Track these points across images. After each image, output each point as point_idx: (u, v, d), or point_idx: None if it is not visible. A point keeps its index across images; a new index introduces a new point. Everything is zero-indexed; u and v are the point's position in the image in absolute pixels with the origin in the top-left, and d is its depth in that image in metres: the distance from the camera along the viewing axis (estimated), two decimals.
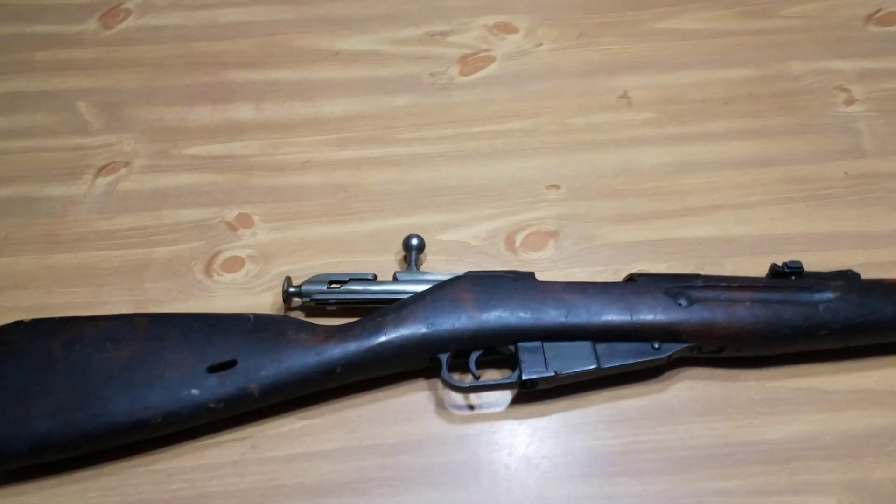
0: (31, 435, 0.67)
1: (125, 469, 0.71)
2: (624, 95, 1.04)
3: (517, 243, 0.90)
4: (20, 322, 0.74)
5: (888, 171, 0.94)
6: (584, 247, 0.89)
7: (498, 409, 0.76)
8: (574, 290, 0.77)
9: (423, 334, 0.73)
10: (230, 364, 0.71)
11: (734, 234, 0.89)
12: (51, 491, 0.69)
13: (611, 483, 0.72)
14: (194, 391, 0.69)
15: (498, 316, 0.75)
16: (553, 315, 0.75)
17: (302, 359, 0.72)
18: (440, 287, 0.77)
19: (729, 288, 0.77)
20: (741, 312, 0.75)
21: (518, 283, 0.77)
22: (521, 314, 0.75)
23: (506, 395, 0.77)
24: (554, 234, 0.90)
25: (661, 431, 0.75)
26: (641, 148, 0.98)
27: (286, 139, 1.00)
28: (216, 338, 0.73)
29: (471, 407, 0.76)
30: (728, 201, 0.92)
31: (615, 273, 0.86)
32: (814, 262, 0.84)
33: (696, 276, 0.79)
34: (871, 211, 0.90)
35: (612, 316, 0.75)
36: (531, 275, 0.80)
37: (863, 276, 0.80)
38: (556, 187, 0.95)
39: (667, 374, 0.78)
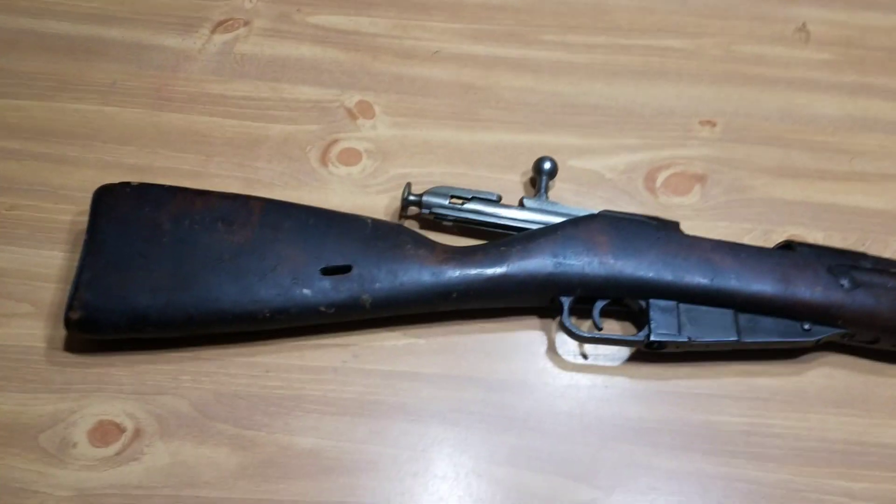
0: (130, 309, 0.66)
1: (223, 357, 0.69)
2: (802, 28, 0.93)
3: (658, 183, 0.83)
4: (127, 184, 0.71)
5: None
6: (734, 198, 0.82)
7: (613, 364, 0.72)
8: (724, 251, 0.71)
9: (550, 273, 0.69)
10: (345, 269, 0.68)
11: None
12: (142, 367, 0.69)
13: (728, 463, 0.68)
14: (306, 291, 0.67)
15: (634, 266, 0.69)
16: (697, 276, 0.69)
17: (419, 276, 0.68)
18: (573, 224, 0.71)
19: None
20: None
21: (661, 233, 0.71)
22: (660, 269, 0.69)
23: (625, 352, 0.73)
24: (702, 179, 0.83)
25: (791, 417, 0.70)
26: (814, 93, 0.89)
27: (417, 21, 0.92)
28: (332, 238, 0.69)
29: (584, 356, 0.73)
30: None
31: (765, 234, 0.80)
32: None
33: (864, 256, 0.72)
34: None
35: (765, 287, 0.69)
36: (676, 225, 0.73)
37: None
38: (712, 124, 0.86)
39: (805, 357, 0.73)
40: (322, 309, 0.67)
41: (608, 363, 0.73)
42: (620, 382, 0.72)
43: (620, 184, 0.83)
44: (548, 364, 0.72)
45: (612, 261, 0.70)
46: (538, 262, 0.69)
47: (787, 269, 0.70)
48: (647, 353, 0.72)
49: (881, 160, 0.84)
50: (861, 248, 0.79)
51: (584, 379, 0.72)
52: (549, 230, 0.71)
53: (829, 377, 0.73)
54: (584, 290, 0.70)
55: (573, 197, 0.82)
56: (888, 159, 0.85)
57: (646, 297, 0.70)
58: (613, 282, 0.69)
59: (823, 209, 0.82)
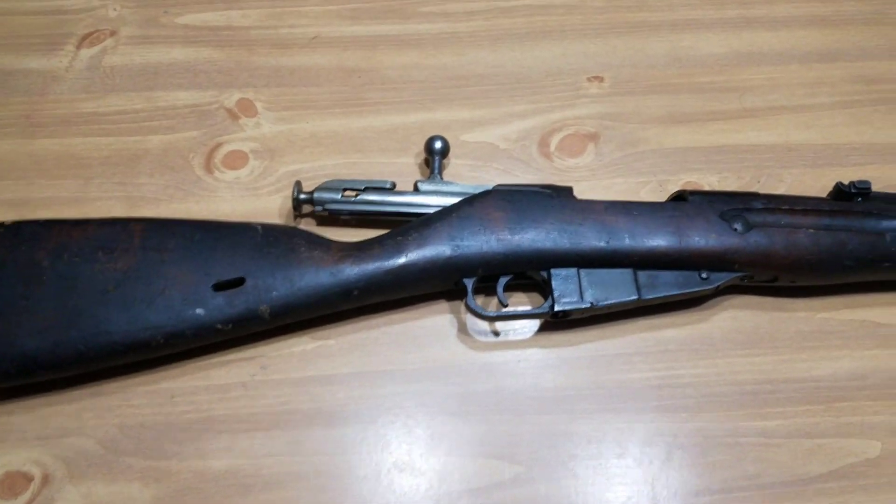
0: (19, 355, 0.64)
1: (126, 388, 0.68)
2: None
3: (552, 147, 0.83)
4: (0, 225, 0.69)
5: None
6: (627, 152, 0.83)
7: (525, 337, 0.73)
8: (617, 211, 0.71)
9: (448, 257, 0.69)
10: (238, 282, 0.67)
11: (795, 142, 0.83)
12: (43, 410, 0.67)
13: (642, 419, 0.70)
14: (199, 311, 0.65)
15: (531, 239, 0.70)
16: (592, 239, 0.70)
17: (316, 279, 0.68)
18: (468, 203, 0.71)
19: (791, 212, 0.71)
20: (802, 241, 0.70)
21: (555, 201, 0.72)
22: (557, 237, 0.70)
23: (534, 322, 0.73)
24: (594, 137, 0.83)
25: (701, 365, 0.72)
26: (699, 32, 0.90)
27: (291, 8, 0.91)
28: (221, 251, 0.68)
29: (496, 333, 0.73)
30: (790, 102, 0.85)
31: (661, 185, 0.81)
32: (878, 176, 0.80)
33: (755, 196, 0.73)
34: None
35: (659, 241, 0.70)
36: (569, 190, 0.74)
37: None
38: (600, 79, 0.87)
39: (710, 303, 0.75)
40: (219, 327, 0.66)
41: (520, 337, 0.74)
42: (533, 355, 0.73)
43: (515, 153, 0.83)
44: (460, 347, 0.73)
45: (509, 236, 0.70)
46: (436, 248, 0.69)
47: (680, 220, 0.71)
48: (558, 322, 0.73)
49: (770, 93, 0.86)
50: (756, 186, 0.81)
51: (497, 356, 0.72)
52: (444, 213, 0.71)
53: (735, 319, 0.75)
54: (486, 270, 0.70)
55: (470, 172, 0.82)
56: (777, 91, 0.86)
57: (547, 267, 0.71)
58: (513, 257, 0.70)
59: (716, 151, 0.83)
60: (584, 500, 0.66)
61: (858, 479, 0.67)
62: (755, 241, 0.70)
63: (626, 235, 0.70)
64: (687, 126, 0.84)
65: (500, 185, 0.74)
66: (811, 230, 0.70)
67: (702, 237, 0.70)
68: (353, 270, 0.68)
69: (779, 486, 0.67)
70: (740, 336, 0.74)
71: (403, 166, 0.81)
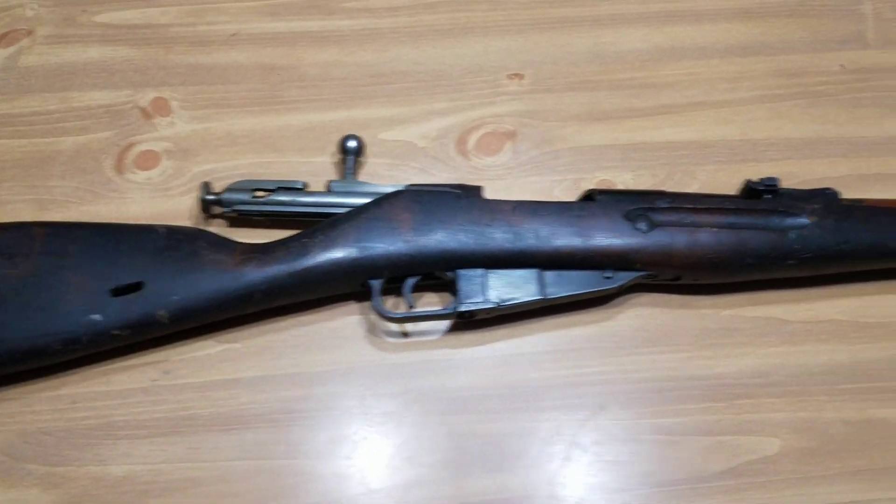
0: None
1: (27, 394, 0.69)
2: None
3: (469, 145, 0.83)
4: None
5: (890, 65, 0.87)
6: (544, 151, 0.83)
7: (434, 338, 0.74)
8: (524, 211, 0.72)
9: (354, 259, 0.69)
10: (136, 287, 0.67)
11: (711, 138, 0.83)
12: None
13: (545, 417, 0.71)
14: (96, 316, 0.66)
15: (437, 240, 0.70)
16: (499, 240, 0.70)
17: (218, 282, 0.68)
18: (376, 204, 0.72)
19: (695, 210, 0.72)
20: (704, 239, 0.71)
21: (463, 202, 0.72)
22: (464, 238, 0.70)
23: (445, 323, 0.74)
24: (512, 136, 0.84)
25: (606, 363, 0.73)
26: (621, 28, 0.89)
27: (212, 5, 0.90)
28: (122, 255, 0.68)
29: (405, 335, 0.74)
30: (709, 97, 0.85)
31: (575, 183, 0.81)
32: (793, 172, 0.81)
33: (662, 195, 0.74)
34: (864, 113, 0.84)
35: (564, 242, 0.70)
36: (479, 190, 0.74)
37: (844, 192, 0.76)
38: (520, 76, 0.87)
39: (618, 301, 0.76)
40: (116, 332, 0.66)
41: (429, 338, 0.74)
42: (442, 355, 0.73)
43: (433, 151, 0.83)
44: (369, 349, 0.73)
45: (415, 237, 0.70)
46: (341, 250, 0.70)
47: (585, 221, 0.71)
48: (468, 322, 0.74)
49: (689, 88, 0.86)
50: (670, 183, 0.81)
51: (405, 358, 0.73)
52: (351, 214, 0.72)
53: (642, 317, 0.75)
54: (392, 271, 0.71)
55: (387, 171, 0.82)
56: (696, 86, 0.86)
57: (454, 268, 0.71)
58: (419, 258, 0.70)
59: (632, 149, 0.83)
60: (481, 503, 0.67)
61: (757, 476, 0.69)
62: (657, 240, 0.71)
63: (532, 236, 0.71)
64: (605, 123, 0.84)
65: (411, 186, 0.74)
66: (713, 229, 0.71)
67: (605, 237, 0.71)
68: (255, 273, 0.68)
69: (677, 483, 0.68)
70: (646, 334, 0.75)
71: (320, 165, 0.81)
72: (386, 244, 0.70)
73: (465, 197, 0.73)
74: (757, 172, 0.79)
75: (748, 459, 0.69)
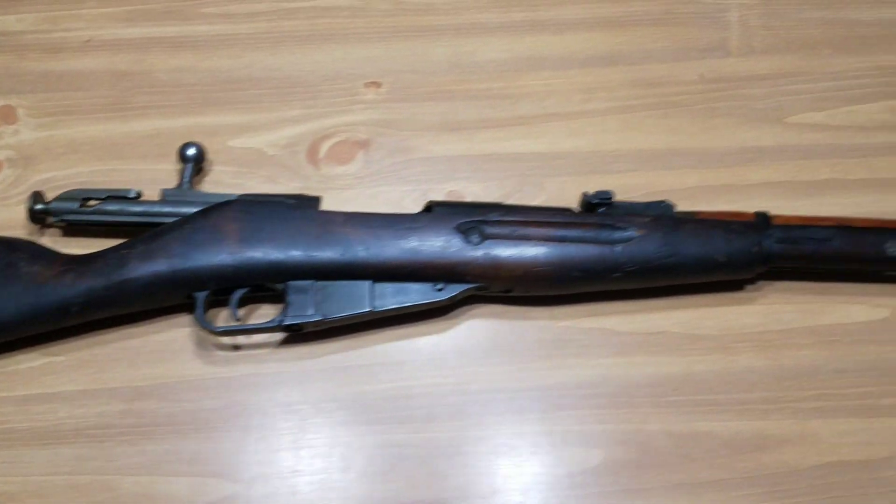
0: None
1: None
2: None
3: (321, 154, 0.83)
4: None
5: (749, 73, 0.87)
6: (397, 160, 0.83)
7: (265, 351, 0.74)
8: (356, 223, 0.72)
9: (175, 271, 0.69)
10: None
11: (562, 150, 0.84)
12: None
13: (374, 431, 0.71)
14: None
15: (264, 252, 0.70)
16: (328, 251, 0.70)
17: (33, 295, 0.67)
18: (203, 214, 0.71)
19: (525, 223, 0.72)
20: (531, 253, 0.71)
21: (296, 213, 0.72)
22: (292, 250, 0.70)
23: (278, 336, 0.74)
24: (365, 145, 0.83)
25: (439, 375, 0.73)
26: (483, 38, 0.90)
27: (68, 11, 0.89)
28: None
29: (236, 348, 0.73)
30: (564, 108, 0.86)
31: (425, 194, 0.81)
32: (641, 184, 0.81)
33: (496, 207, 0.74)
34: (717, 123, 0.85)
35: (393, 254, 0.71)
36: (315, 201, 0.74)
37: (691, 204, 0.77)
38: (377, 85, 0.86)
39: (456, 312, 0.76)
40: None
41: (259, 351, 0.74)
42: (271, 369, 0.73)
43: (283, 159, 0.83)
44: (197, 362, 0.73)
45: (241, 249, 0.70)
46: (162, 261, 0.69)
47: (416, 232, 0.72)
48: (301, 335, 0.73)
49: (545, 99, 0.86)
50: (517, 195, 0.82)
51: (234, 371, 0.73)
52: (176, 224, 0.71)
53: (479, 329, 0.76)
54: (218, 283, 0.70)
55: (233, 180, 0.81)
56: (552, 97, 0.86)
57: (282, 280, 0.71)
58: (245, 270, 0.70)
59: (484, 160, 0.83)
60: None
61: (576, 488, 0.69)
62: (486, 253, 0.71)
63: (361, 248, 0.71)
64: (459, 134, 0.84)
65: (244, 196, 0.74)
66: (541, 242, 0.72)
67: (435, 249, 0.71)
68: (71, 286, 0.68)
69: (482, 496, 0.68)
70: (481, 345, 0.75)
71: (164, 173, 0.80)
72: (210, 255, 0.69)
73: (298, 208, 0.73)
74: (605, 184, 0.79)
75: (569, 471, 0.69)
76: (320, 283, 0.71)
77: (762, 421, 0.72)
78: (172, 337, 0.73)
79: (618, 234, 0.72)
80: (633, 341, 0.75)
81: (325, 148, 0.83)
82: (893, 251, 0.72)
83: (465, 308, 0.76)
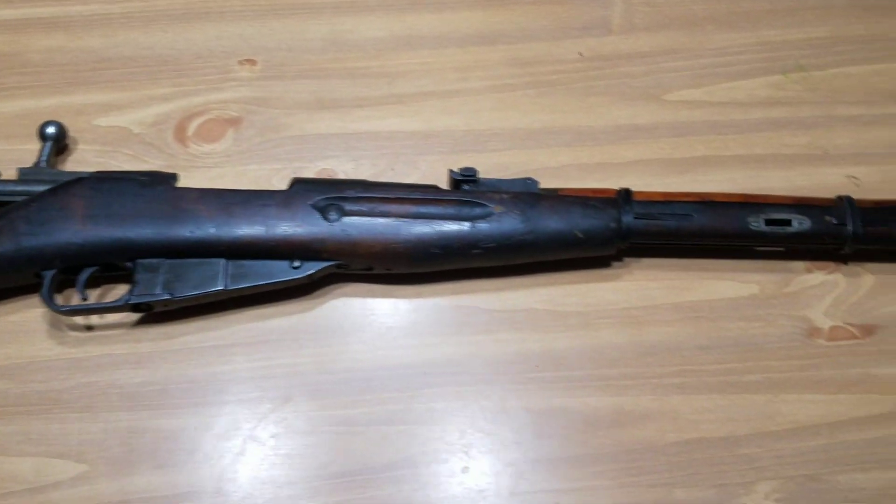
0: None
1: None
2: None
3: (189, 132, 0.82)
4: None
5: (629, 51, 0.88)
6: (268, 138, 0.83)
7: (118, 332, 0.72)
8: (210, 199, 0.71)
9: (18, 249, 0.68)
10: None
11: (437, 129, 0.84)
12: None
13: (226, 412, 0.70)
14: None
15: (111, 229, 0.69)
16: (178, 229, 0.70)
17: None
18: (52, 192, 0.71)
19: (385, 200, 0.72)
20: (388, 229, 0.71)
21: (147, 189, 0.71)
22: (142, 228, 0.69)
23: (134, 315, 0.73)
24: (236, 122, 0.83)
25: (299, 355, 0.73)
26: (360, 15, 0.89)
27: None
28: None
29: (89, 328, 0.72)
30: (440, 87, 0.85)
31: (295, 172, 0.81)
32: (515, 162, 0.81)
33: (355, 184, 0.73)
34: (594, 102, 0.85)
35: (246, 230, 0.70)
36: (171, 178, 0.74)
37: (562, 182, 0.77)
38: (252, 62, 0.86)
39: (321, 291, 0.76)
40: None
41: (113, 332, 0.73)
42: (126, 349, 0.72)
43: (149, 138, 0.82)
44: (48, 343, 0.72)
45: (88, 226, 0.69)
46: (7, 240, 0.68)
47: (271, 209, 0.71)
48: (160, 314, 0.73)
49: (421, 77, 0.86)
50: (389, 173, 0.81)
51: (86, 352, 0.72)
52: (24, 203, 0.70)
53: (344, 307, 0.75)
54: (64, 261, 0.69)
55: (97, 159, 0.81)
56: (429, 76, 0.86)
57: (132, 258, 0.70)
58: (91, 248, 0.69)
59: (357, 138, 0.83)
60: (145, 499, 0.66)
61: (430, 465, 0.69)
62: (343, 230, 0.71)
63: (212, 225, 0.70)
64: (333, 112, 0.84)
65: (97, 173, 0.73)
66: (401, 219, 0.71)
67: (290, 226, 0.70)
68: None
69: (349, 474, 0.68)
70: (345, 324, 0.74)
71: (28, 153, 0.79)
72: (55, 233, 0.69)
73: (151, 185, 0.72)
74: (478, 163, 0.79)
75: (424, 449, 0.69)
76: (172, 262, 0.70)
77: (622, 397, 0.72)
78: (26, 317, 0.72)
79: (478, 211, 0.72)
80: (499, 318, 0.75)
81: (193, 126, 0.83)
82: (757, 225, 0.72)
83: (329, 287, 0.76)
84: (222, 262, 0.71)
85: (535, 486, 0.68)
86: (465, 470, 0.69)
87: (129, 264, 0.70)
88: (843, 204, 0.73)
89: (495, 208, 0.72)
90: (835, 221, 0.72)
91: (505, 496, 0.68)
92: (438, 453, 0.69)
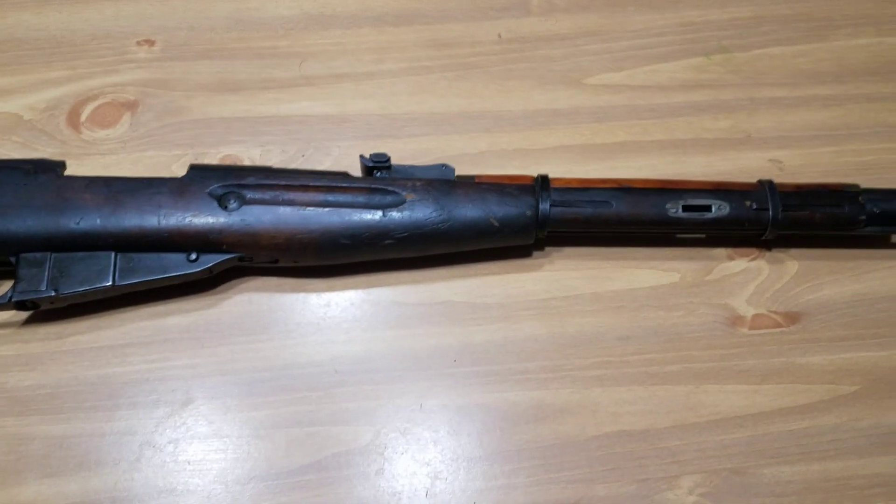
0: None
1: None
2: None
3: (83, 117, 0.78)
4: None
5: (549, 34, 0.86)
6: (167, 123, 0.79)
7: (6, 332, 0.69)
8: (98, 188, 0.67)
9: None
10: None
11: (351, 113, 0.80)
12: None
13: (120, 416, 0.67)
14: None
15: None
16: (63, 220, 0.66)
17: None
18: None
19: (289, 188, 0.68)
20: (293, 219, 0.67)
21: (32, 179, 0.67)
22: (24, 219, 0.65)
23: (22, 314, 0.69)
24: (133, 106, 0.79)
25: (199, 354, 0.69)
26: None
27: None
28: None
29: None
30: (354, 69, 0.82)
31: (196, 158, 0.78)
32: (431, 148, 0.79)
33: (257, 171, 0.70)
34: (513, 85, 0.83)
35: (135, 221, 0.66)
36: (58, 165, 0.69)
37: (480, 168, 0.76)
38: (150, 42, 0.82)
39: (225, 286, 0.72)
40: None
41: (1, 331, 0.68)
42: (13, 350, 0.69)
43: (40, 124, 0.77)
44: None
45: None
46: None
47: (165, 198, 0.67)
48: (50, 312, 0.68)
49: (334, 59, 0.83)
50: (300, 160, 0.78)
51: None
52: None
53: (249, 303, 0.72)
54: None
55: None
56: (342, 57, 0.83)
57: (13, 252, 0.65)
58: None
59: (265, 122, 0.80)
60: None
61: (342, 468, 0.66)
62: (242, 220, 0.67)
63: (98, 215, 0.66)
64: (238, 94, 0.80)
65: None
66: (306, 207, 0.68)
67: (183, 216, 0.67)
68: None
69: (255, 480, 0.65)
70: (250, 321, 0.71)
71: None
72: None
73: (35, 174, 0.67)
74: (394, 148, 0.76)
75: (335, 451, 0.66)
76: (58, 256, 0.66)
77: (541, 391, 0.70)
78: None
79: (389, 199, 0.69)
80: (416, 312, 0.72)
81: (87, 111, 0.78)
82: (675, 212, 0.71)
83: (234, 281, 0.72)
84: (112, 255, 0.67)
85: (453, 486, 0.66)
86: (379, 472, 0.66)
87: (12, 259, 0.66)
88: (764, 188, 0.72)
89: (407, 196, 0.69)
90: (755, 206, 0.71)
91: (421, 498, 0.65)
92: (351, 456, 0.66)
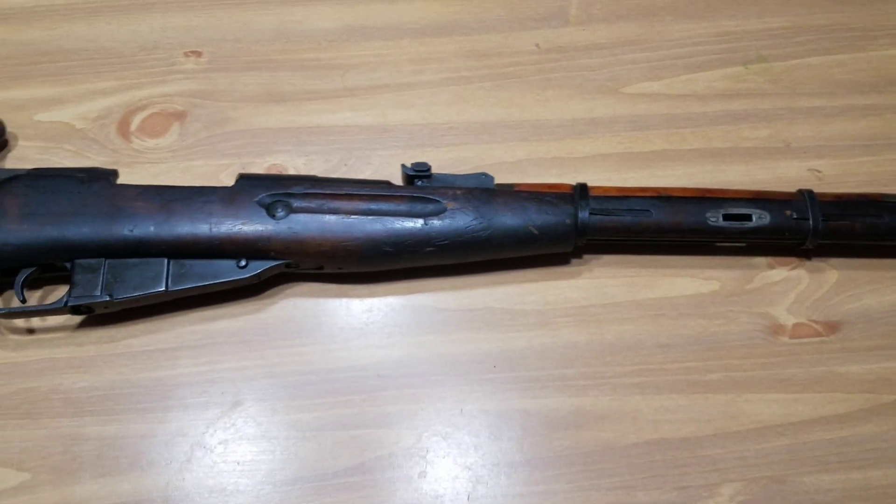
0: None
1: None
2: None
3: (133, 127, 0.81)
4: None
5: (587, 43, 0.88)
6: (214, 133, 0.82)
7: (60, 335, 0.71)
8: (150, 197, 0.70)
9: None
10: None
11: (391, 123, 0.83)
12: None
13: (171, 417, 0.70)
14: None
15: (48, 228, 0.68)
16: (117, 227, 0.69)
17: None
18: None
19: (334, 196, 0.71)
20: (338, 227, 0.70)
21: (86, 186, 0.70)
22: (79, 227, 0.68)
23: (76, 318, 0.72)
24: (181, 116, 0.82)
25: (247, 357, 0.72)
26: (311, 5, 0.89)
27: None
28: None
29: (30, 331, 0.71)
30: (395, 80, 0.85)
31: (244, 168, 0.81)
32: (470, 157, 0.81)
33: (303, 180, 0.72)
34: (551, 95, 0.85)
35: (188, 229, 0.69)
36: (111, 174, 0.73)
37: (518, 177, 0.77)
38: (198, 54, 0.85)
39: (271, 292, 0.75)
40: None
41: (55, 335, 0.72)
42: (67, 353, 0.71)
43: (92, 133, 0.81)
44: None
45: (23, 226, 0.68)
46: None
47: (214, 206, 0.70)
48: (103, 316, 0.71)
49: (375, 70, 0.86)
50: (343, 169, 0.81)
51: (26, 356, 0.71)
52: None
53: (294, 308, 0.74)
54: (1, 263, 0.68)
55: (38, 155, 0.79)
56: (383, 68, 0.86)
57: (70, 258, 0.69)
58: (27, 248, 0.68)
59: (309, 132, 0.82)
60: None
61: (385, 471, 0.68)
62: (290, 227, 0.70)
63: (152, 223, 0.69)
64: (282, 105, 0.83)
65: (34, 170, 0.72)
66: (350, 216, 0.71)
67: (233, 224, 0.70)
68: None
69: (301, 481, 0.67)
70: (295, 325, 0.74)
71: None
72: None
73: (89, 182, 0.71)
74: (434, 158, 0.79)
75: (378, 454, 0.69)
76: (112, 262, 0.69)
77: (580, 397, 0.72)
78: None
79: (431, 208, 0.71)
80: (455, 318, 0.74)
81: (137, 120, 0.82)
82: (715, 221, 0.72)
83: (280, 287, 0.75)
84: (164, 261, 0.70)
85: (494, 491, 0.68)
86: (421, 475, 0.68)
87: (67, 265, 0.69)
88: (804, 198, 0.73)
89: (448, 204, 0.71)
90: (795, 216, 0.72)
91: (463, 501, 0.67)
92: (394, 458, 0.68)
